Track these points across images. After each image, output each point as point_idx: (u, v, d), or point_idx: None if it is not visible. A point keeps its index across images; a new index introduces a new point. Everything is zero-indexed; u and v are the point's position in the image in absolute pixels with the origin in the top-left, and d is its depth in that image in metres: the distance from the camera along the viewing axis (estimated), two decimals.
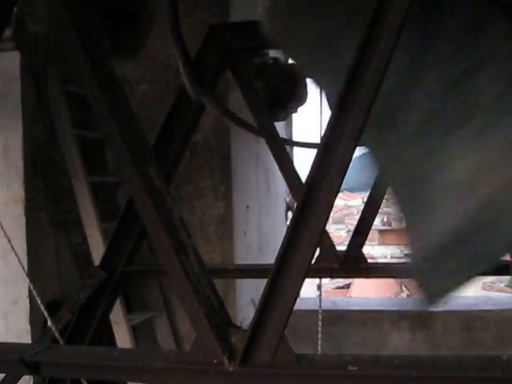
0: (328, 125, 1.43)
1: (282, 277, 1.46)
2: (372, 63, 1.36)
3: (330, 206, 1.45)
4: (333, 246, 3.18)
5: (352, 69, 1.40)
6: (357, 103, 1.38)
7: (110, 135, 1.74)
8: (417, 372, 1.38)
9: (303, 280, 1.47)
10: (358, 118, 1.38)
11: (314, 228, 1.44)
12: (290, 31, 1.60)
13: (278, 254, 1.47)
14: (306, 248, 1.45)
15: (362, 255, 3.18)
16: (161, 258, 1.70)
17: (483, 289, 18.75)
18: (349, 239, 3.23)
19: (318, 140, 2.85)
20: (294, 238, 1.46)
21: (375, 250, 27.39)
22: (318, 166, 1.43)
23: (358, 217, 3.37)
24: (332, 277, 3.42)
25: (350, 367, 1.41)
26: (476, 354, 1.43)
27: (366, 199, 3.39)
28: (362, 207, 3.46)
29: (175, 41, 2.66)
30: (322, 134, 1.45)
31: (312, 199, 1.44)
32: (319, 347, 3.21)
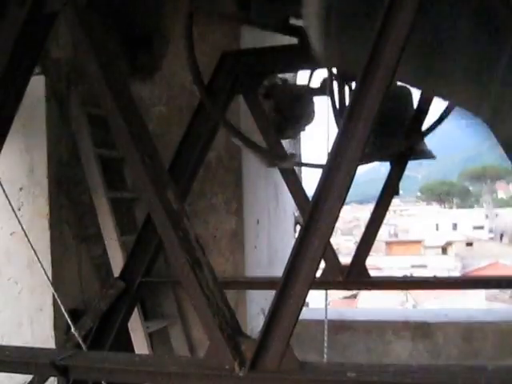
0: (332, 148, 1.56)
1: (287, 292, 1.60)
2: (371, 93, 1.50)
3: (331, 226, 1.56)
4: (337, 260, 3.25)
5: (354, 97, 1.53)
6: (358, 128, 1.52)
7: (131, 160, 1.89)
8: (410, 379, 1.52)
9: (307, 294, 1.60)
10: (359, 141, 1.51)
11: (316, 247, 1.57)
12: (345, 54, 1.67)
13: (284, 272, 1.60)
14: (309, 265, 1.57)
15: (365, 269, 3.26)
16: (177, 274, 1.82)
17: (487, 299, 18.62)
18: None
19: (324, 158, 2.95)
20: (298, 254, 1.59)
21: (382, 261, 27.40)
22: (321, 187, 1.56)
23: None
24: (336, 289, 3.48)
25: (348, 374, 1.56)
26: (464, 364, 1.55)
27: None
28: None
29: (191, 69, 2.84)
30: (327, 155, 1.57)
31: (316, 219, 1.57)
32: (325, 355, 3.30)
